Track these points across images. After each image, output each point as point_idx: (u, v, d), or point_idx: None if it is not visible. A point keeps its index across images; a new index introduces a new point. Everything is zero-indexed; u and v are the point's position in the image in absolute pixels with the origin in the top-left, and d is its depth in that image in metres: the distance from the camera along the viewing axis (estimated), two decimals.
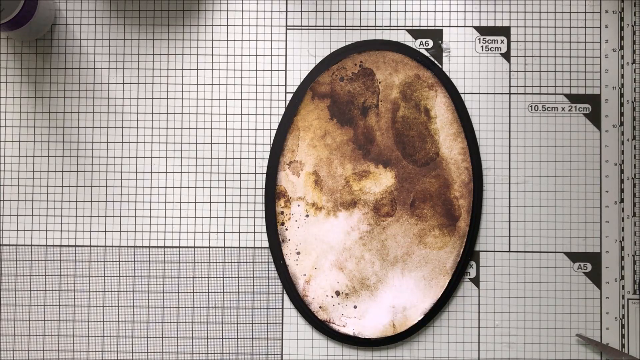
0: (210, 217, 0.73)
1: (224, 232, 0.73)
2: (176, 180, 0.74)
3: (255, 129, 0.74)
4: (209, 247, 0.73)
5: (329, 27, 0.74)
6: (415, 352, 0.72)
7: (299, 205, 0.73)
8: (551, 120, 0.73)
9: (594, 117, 0.73)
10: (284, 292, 0.73)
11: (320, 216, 0.73)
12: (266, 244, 0.73)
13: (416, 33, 0.74)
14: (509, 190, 0.73)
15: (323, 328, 0.72)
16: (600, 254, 0.73)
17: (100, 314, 0.73)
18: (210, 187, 0.74)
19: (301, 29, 0.74)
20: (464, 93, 0.73)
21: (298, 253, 0.72)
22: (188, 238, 0.73)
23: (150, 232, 0.73)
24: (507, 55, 0.74)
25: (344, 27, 0.74)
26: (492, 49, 0.74)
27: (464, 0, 0.74)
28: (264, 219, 0.73)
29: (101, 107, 0.74)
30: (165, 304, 0.73)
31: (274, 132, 0.74)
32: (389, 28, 0.74)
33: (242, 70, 0.74)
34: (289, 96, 0.74)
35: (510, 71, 0.74)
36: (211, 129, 0.74)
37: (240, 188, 0.74)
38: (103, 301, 0.73)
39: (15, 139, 0.74)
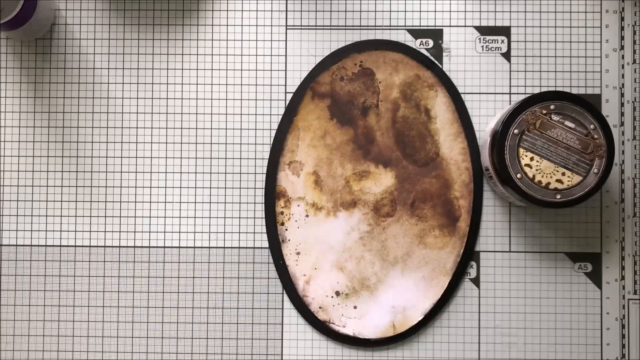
0: (210, 217, 0.73)
1: (224, 232, 0.73)
2: (176, 180, 0.74)
3: (255, 129, 0.74)
4: (209, 247, 0.73)
5: (329, 27, 0.74)
6: (415, 353, 0.72)
7: (298, 206, 0.72)
8: None
9: None
10: (284, 292, 0.73)
11: (320, 216, 0.72)
12: (266, 244, 0.73)
13: (416, 33, 0.74)
14: None
15: (323, 328, 0.72)
16: (601, 254, 0.73)
17: (100, 314, 0.73)
18: (210, 187, 0.73)
19: (301, 29, 0.74)
20: (464, 93, 0.73)
21: (298, 253, 0.72)
22: (188, 238, 0.73)
23: (150, 232, 0.73)
24: (507, 55, 0.74)
25: (344, 27, 0.74)
26: (492, 49, 0.74)
27: (464, 0, 0.74)
28: (264, 219, 0.73)
29: (101, 107, 0.74)
30: (165, 304, 0.73)
31: (274, 132, 0.74)
32: (389, 28, 0.74)
33: (242, 70, 0.74)
34: (289, 96, 0.74)
35: (510, 71, 0.73)
36: (211, 129, 0.74)
37: (240, 188, 0.73)
38: (103, 301, 0.73)
39: (15, 139, 0.74)
